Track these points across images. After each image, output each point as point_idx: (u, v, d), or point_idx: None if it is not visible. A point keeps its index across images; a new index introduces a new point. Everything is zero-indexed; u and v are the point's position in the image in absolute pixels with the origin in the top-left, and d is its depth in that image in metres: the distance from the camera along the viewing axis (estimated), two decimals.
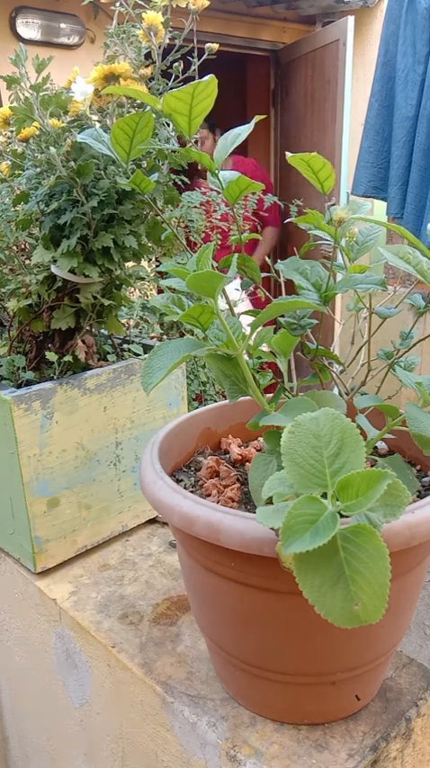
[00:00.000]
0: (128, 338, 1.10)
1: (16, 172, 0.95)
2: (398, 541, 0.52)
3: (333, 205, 0.62)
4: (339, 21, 3.37)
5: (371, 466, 0.65)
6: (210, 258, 0.57)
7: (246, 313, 0.74)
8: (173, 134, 0.86)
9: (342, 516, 0.45)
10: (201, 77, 0.58)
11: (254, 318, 0.61)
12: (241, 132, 0.63)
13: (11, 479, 0.90)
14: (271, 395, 0.69)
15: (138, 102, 0.87)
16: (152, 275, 1.20)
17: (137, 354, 1.05)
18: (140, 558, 0.99)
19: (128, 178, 0.65)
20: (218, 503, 0.65)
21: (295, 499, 0.45)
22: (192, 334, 0.61)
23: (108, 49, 0.88)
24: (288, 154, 0.61)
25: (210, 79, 0.55)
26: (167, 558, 0.99)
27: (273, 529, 0.51)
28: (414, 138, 2.77)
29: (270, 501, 0.51)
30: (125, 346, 1.07)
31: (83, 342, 0.96)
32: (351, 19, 3.29)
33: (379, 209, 3.09)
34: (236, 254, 0.64)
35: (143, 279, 1.10)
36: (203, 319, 0.58)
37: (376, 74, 2.95)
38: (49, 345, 0.98)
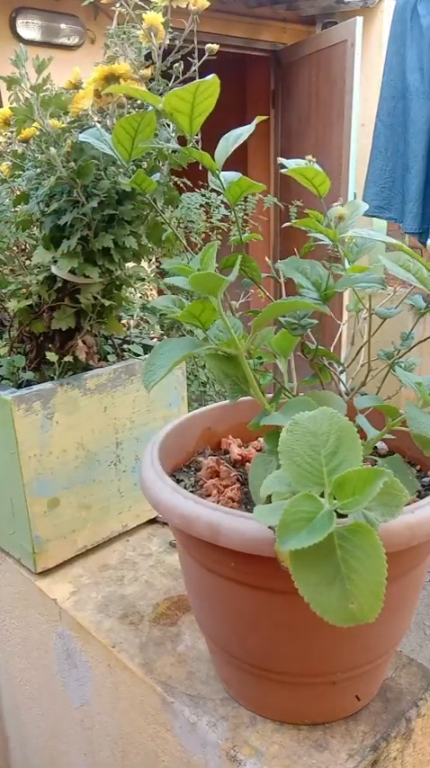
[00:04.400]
0: (128, 338, 1.11)
1: (16, 172, 0.95)
2: (398, 542, 0.52)
3: (341, 205, 0.62)
4: (348, 21, 3.38)
5: (372, 466, 0.65)
6: (214, 258, 0.57)
7: (246, 312, 0.74)
8: (173, 135, 0.86)
9: (340, 515, 0.45)
10: (201, 78, 0.58)
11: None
12: (242, 133, 0.63)
13: (11, 479, 0.90)
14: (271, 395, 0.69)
15: (139, 102, 0.87)
16: (152, 276, 1.20)
17: (137, 355, 1.05)
18: (140, 557, 0.99)
19: (129, 178, 0.66)
20: (218, 503, 0.65)
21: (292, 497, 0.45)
22: (193, 335, 0.61)
23: (108, 49, 0.88)
24: (281, 162, 0.61)
25: (213, 79, 0.55)
26: (167, 558, 0.99)
27: (271, 528, 0.51)
28: (429, 154, 2.77)
29: (269, 500, 0.51)
30: (125, 347, 1.07)
31: (83, 342, 0.96)
32: (359, 20, 3.31)
33: (379, 228, 3.09)
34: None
35: (143, 280, 1.10)
36: (204, 318, 0.58)
37: (381, 93, 2.96)
38: (50, 346, 0.98)
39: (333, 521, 0.43)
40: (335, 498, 0.46)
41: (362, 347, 0.72)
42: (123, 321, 1.18)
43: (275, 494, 0.49)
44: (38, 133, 0.84)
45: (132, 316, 1.23)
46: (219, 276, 0.52)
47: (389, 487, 0.46)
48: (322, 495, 0.46)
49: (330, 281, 0.63)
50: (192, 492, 0.64)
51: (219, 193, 0.65)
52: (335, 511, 0.45)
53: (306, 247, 0.71)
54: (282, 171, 0.62)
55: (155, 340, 1.17)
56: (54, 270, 0.88)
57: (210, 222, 1.67)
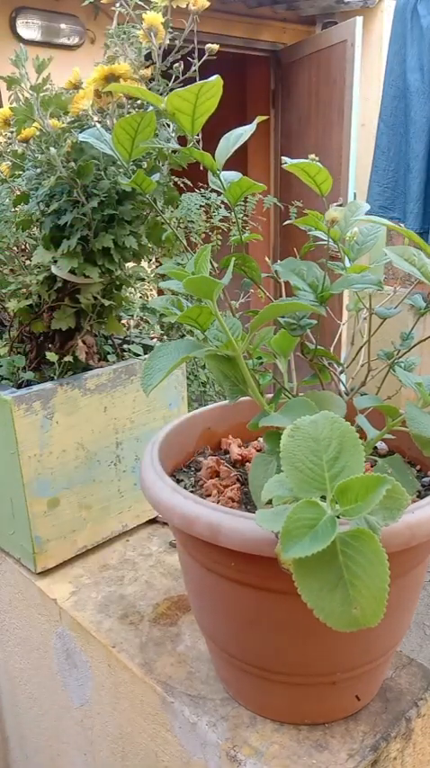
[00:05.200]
0: (128, 338, 1.11)
1: (16, 172, 0.95)
2: (398, 542, 0.52)
3: (340, 206, 0.62)
4: (348, 21, 3.38)
5: (372, 466, 0.65)
6: (208, 260, 0.57)
7: (246, 313, 0.74)
8: (173, 135, 0.86)
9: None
10: (200, 78, 0.58)
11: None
12: (243, 133, 0.63)
13: (11, 479, 0.90)
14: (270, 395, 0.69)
15: (139, 102, 0.87)
16: (152, 276, 1.20)
17: (137, 355, 1.05)
18: (140, 557, 0.99)
19: (129, 178, 0.66)
20: (218, 503, 0.65)
21: (294, 503, 0.45)
22: (193, 335, 0.61)
23: (108, 49, 0.88)
24: (284, 159, 0.61)
25: (216, 80, 0.55)
26: (167, 558, 0.99)
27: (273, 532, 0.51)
28: (429, 154, 2.77)
29: (270, 502, 0.51)
30: (125, 347, 1.07)
31: (83, 342, 0.96)
32: (359, 20, 3.31)
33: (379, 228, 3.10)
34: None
35: (143, 280, 1.10)
36: (202, 320, 0.58)
37: (383, 93, 2.96)
38: (50, 346, 0.98)
39: (336, 527, 0.43)
40: (337, 504, 0.46)
41: (362, 347, 0.72)
42: (123, 321, 1.18)
43: (276, 498, 0.49)
44: (38, 133, 0.84)
45: (132, 316, 1.23)
46: (213, 280, 0.52)
47: (390, 492, 0.46)
48: (324, 500, 0.46)
49: (327, 282, 0.63)
50: (192, 492, 0.64)
51: (219, 193, 0.65)
52: (337, 516, 0.45)
53: (305, 247, 0.71)
54: (284, 166, 0.62)
55: (155, 340, 1.17)
56: (54, 270, 0.88)
57: (211, 222, 1.67)
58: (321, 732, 0.66)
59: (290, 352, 0.69)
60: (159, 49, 0.83)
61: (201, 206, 1.51)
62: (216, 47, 0.83)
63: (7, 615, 1.07)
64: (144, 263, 1.14)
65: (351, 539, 0.44)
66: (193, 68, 0.86)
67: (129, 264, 0.96)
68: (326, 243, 0.65)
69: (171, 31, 0.85)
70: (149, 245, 0.95)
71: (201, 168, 0.64)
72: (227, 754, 0.65)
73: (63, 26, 2.97)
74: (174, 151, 0.86)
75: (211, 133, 0.79)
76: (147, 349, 1.07)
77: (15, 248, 0.97)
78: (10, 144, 0.96)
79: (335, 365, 0.72)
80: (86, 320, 0.95)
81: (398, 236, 3.22)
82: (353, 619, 0.44)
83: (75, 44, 3.02)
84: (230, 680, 0.71)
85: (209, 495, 0.68)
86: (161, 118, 0.84)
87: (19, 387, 0.91)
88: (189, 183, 1.39)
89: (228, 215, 1.62)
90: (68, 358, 0.94)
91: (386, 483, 0.44)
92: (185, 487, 0.70)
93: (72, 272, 0.87)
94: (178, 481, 0.72)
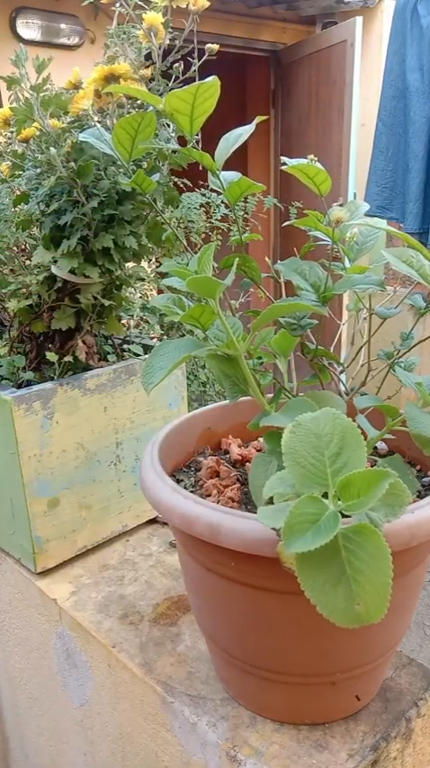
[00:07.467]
0: (128, 338, 1.11)
1: (16, 172, 0.95)
2: (398, 542, 0.52)
3: (340, 205, 0.62)
4: (347, 21, 3.38)
5: (371, 466, 0.65)
6: (211, 259, 0.57)
7: (246, 312, 0.74)
8: (173, 135, 0.86)
9: (343, 516, 0.45)
10: (201, 78, 0.58)
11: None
12: (242, 133, 0.63)
13: (11, 479, 0.90)
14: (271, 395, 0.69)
15: (139, 102, 0.87)
16: (152, 276, 1.20)
17: (137, 355, 1.05)
18: (140, 558, 0.99)
19: (129, 178, 0.66)
20: (218, 503, 0.65)
21: (296, 499, 0.45)
22: (193, 334, 0.61)
23: (108, 49, 0.88)
24: (284, 160, 0.61)
25: (213, 80, 0.55)
26: (167, 558, 0.99)
27: (274, 529, 0.51)
28: (429, 154, 2.77)
29: (270, 501, 0.51)
30: (125, 347, 1.07)
31: (83, 342, 0.96)
32: (359, 20, 3.31)
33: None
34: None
35: (143, 280, 1.10)
36: (204, 320, 0.58)
37: (382, 93, 2.95)
38: (50, 346, 0.98)
39: (338, 522, 0.43)
40: (339, 499, 0.46)
41: (362, 347, 0.72)
42: (123, 321, 1.18)
43: (277, 495, 0.49)
44: (38, 133, 0.84)
45: (132, 316, 1.23)
46: (216, 280, 0.52)
47: (392, 488, 0.46)
48: (326, 497, 0.46)
49: (329, 282, 0.63)
50: (192, 492, 0.64)
51: (219, 193, 0.65)
52: (339, 512, 0.45)
53: (305, 247, 0.71)
54: (283, 168, 0.62)
55: (155, 340, 1.17)
56: (54, 270, 0.88)
57: (211, 222, 1.67)
58: (321, 732, 0.66)
59: (290, 352, 0.69)
60: (159, 49, 0.83)
61: (201, 205, 1.51)
62: (216, 47, 0.83)
63: (7, 615, 1.07)
64: (144, 263, 1.14)
65: (353, 534, 0.44)
66: (193, 68, 0.86)
67: (129, 264, 0.96)
68: (326, 243, 0.65)
69: (171, 31, 0.85)
70: (149, 245, 0.95)
71: (201, 168, 0.64)
72: (227, 754, 0.65)
73: (63, 26, 2.97)
74: (174, 151, 0.86)
75: (211, 133, 0.79)
76: (147, 349, 1.07)
77: (15, 248, 0.97)
78: (10, 144, 0.96)
79: (336, 365, 0.72)
80: (86, 320, 0.95)
81: None
82: (357, 615, 0.44)
83: (75, 44, 3.03)
84: (230, 680, 0.71)
85: (209, 495, 0.68)
86: (161, 118, 0.84)
87: (19, 387, 0.91)
88: (189, 183, 1.39)
89: (229, 213, 1.62)
90: (68, 358, 0.94)
91: (388, 477, 0.44)
92: (185, 487, 0.70)
93: (72, 272, 0.87)
94: (178, 481, 0.72)
